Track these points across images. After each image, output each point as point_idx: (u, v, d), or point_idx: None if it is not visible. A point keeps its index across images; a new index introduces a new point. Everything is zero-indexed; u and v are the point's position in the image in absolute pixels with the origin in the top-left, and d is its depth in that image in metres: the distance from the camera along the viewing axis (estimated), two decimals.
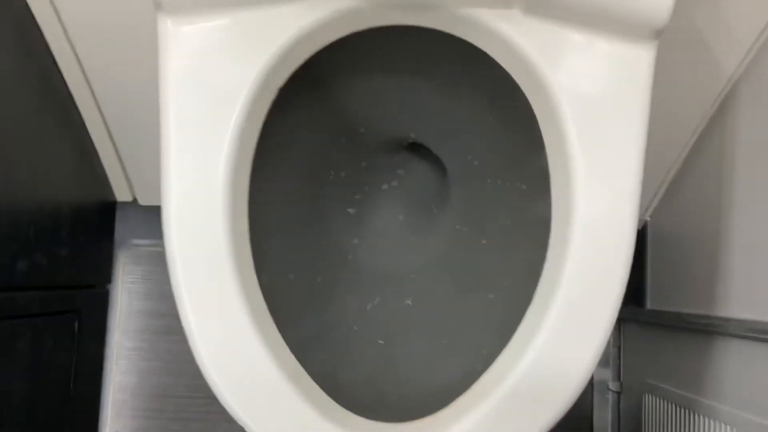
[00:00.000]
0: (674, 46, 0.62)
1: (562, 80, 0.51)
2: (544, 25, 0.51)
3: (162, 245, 0.97)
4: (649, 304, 0.85)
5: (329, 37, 0.53)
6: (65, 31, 0.70)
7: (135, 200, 0.92)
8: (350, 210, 0.72)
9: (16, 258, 0.68)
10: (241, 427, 0.93)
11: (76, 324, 0.83)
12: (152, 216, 0.97)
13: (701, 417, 0.69)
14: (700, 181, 0.75)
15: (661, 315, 0.81)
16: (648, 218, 0.87)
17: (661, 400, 0.79)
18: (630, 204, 0.51)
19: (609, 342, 0.80)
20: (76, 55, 0.72)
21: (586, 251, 0.50)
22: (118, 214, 0.96)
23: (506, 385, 0.51)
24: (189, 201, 0.50)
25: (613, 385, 0.94)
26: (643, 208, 0.51)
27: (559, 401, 0.50)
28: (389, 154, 0.72)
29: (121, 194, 0.91)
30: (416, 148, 0.72)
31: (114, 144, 0.82)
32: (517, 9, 0.51)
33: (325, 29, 0.52)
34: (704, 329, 0.69)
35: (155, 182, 0.88)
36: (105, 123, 0.79)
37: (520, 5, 0.51)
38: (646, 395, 0.83)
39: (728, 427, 0.63)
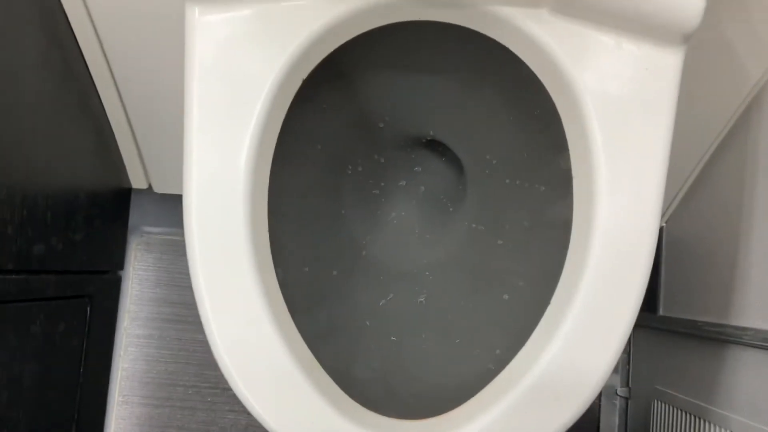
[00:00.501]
0: (700, 51, 0.61)
1: (588, 81, 0.51)
2: (572, 26, 0.51)
3: (174, 234, 0.98)
4: (662, 311, 0.85)
5: (355, 30, 0.53)
6: (90, 17, 0.70)
7: (150, 188, 0.92)
8: (367, 205, 0.71)
9: (33, 242, 0.68)
10: (246, 417, 0.94)
11: (88, 309, 0.83)
12: (166, 204, 0.97)
13: (712, 426, 0.68)
14: (719, 188, 0.74)
15: (673, 322, 0.80)
16: (664, 224, 0.86)
17: (670, 407, 0.78)
18: (652, 209, 0.51)
19: None
20: (99, 41, 0.72)
21: (607, 255, 0.50)
22: (133, 201, 0.96)
23: (521, 386, 0.50)
24: (210, 191, 0.50)
25: (621, 391, 0.94)
26: (662, 210, 0.51)
27: (574, 404, 0.50)
28: (407, 150, 0.72)
29: (137, 181, 0.91)
30: (434, 146, 0.71)
31: (132, 131, 0.83)
32: (545, 8, 0.51)
33: (352, 22, 0.52)
34: (719, 338, 0.68)
35: (171, 170, 0.89)
36: (125, 110, 0.80)
37: (548, 5, 0.51)
38: (655, 401, 0.83)
39: None
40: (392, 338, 0.65)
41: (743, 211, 0.67)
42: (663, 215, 0.85)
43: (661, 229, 0.86)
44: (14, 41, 0.63)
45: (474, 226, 0.70)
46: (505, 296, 0.65)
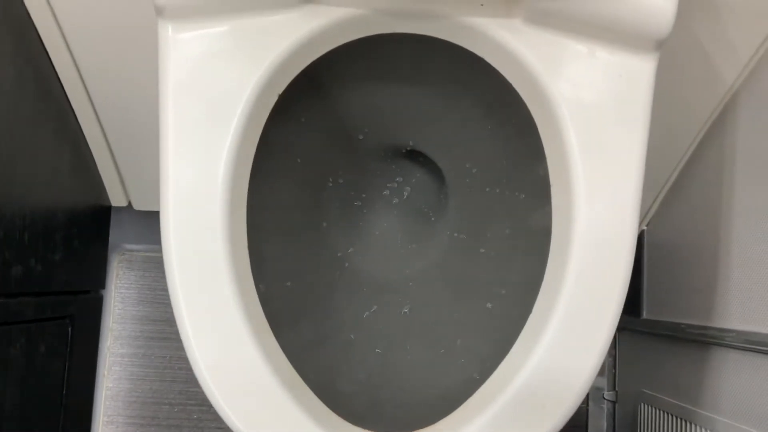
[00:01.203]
0: (674, 56, 0.62)
1: (563, 89, 0.51)
2: (545, 35, 0.51)
3: (156, 250, 0.97)
4: (645, 314, 0.85)
5: (330, 44, 0.53)
6: (63, 35, 0.69)
7: (130, 205, 0.91)
8: (348, 217, 0.71)
9: (11, 264, 0.67)
10: None
11: (70, 330, 0.82)
12: (146, 221, 0.96)
13: (697, 428, 0.68)
14: (698, 191, 0.75)
15: (657, 325, 0.81)
16: (645, 227, 0.87)
17: (657, 410, 0.79)
18: (630, 213, 0.51)
19: None
20: (73, 58, 0.71)
21: (586, 261, 0.50)
22: (113, 219, 0.96)
23: (507, 394, 0.50)
24: (187, 208, 0.50)
25: (608, 395, 0.94)
26: (640, 217, 0.51)
27: (560, 410, 0.50)
28: (388, 161, 0.72)
29: (116, 199, 0.90)
30: (415, 156, 0.72)
31: (110, 149, 0.82)
32: (518, 18, 0.51)
33: (326, 37, 0.52)
34: (701, 339, 0.69)
35: (150, 187, 0.88)
36: (101, 128, 0.79)
37: (521, 15, 0.51)
38: (642, 405, 0.83)
39: None
40: (377, 350, 0.65)
41: (722, 212, 0.68)
42: (643, 219, 0.86)
43: (642, 233, 0.87)
44: None
45: (456, 235, 0.70)
46: (489, 305, 0.65)
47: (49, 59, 0.72)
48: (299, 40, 0.51)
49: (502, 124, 0.62)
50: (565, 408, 0.50)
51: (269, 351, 0.50)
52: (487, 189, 0.67)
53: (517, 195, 0.65)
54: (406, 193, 0.73)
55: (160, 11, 0.50)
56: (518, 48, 0.51)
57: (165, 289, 0.97)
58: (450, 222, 0.71)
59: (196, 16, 0.50)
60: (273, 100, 0.53)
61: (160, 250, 1.00)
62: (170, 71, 0.50)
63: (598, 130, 0.51)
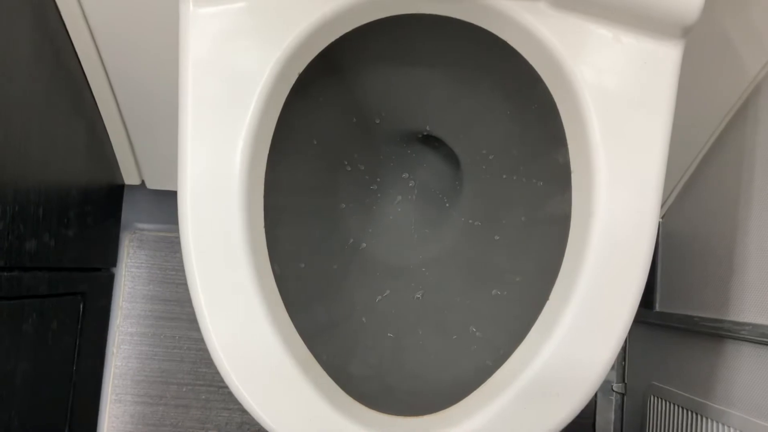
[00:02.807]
0: (699, 45, 0.61)
1: (587, 75, 0.50)
2: (570, 19, 0.51)
3: (167, 230, 0.97)
4: (658, 306, 0.85)
5: (351, 24, 0.53)
6: (83, 11, 0.69)
7: (143, 184, 0.91)
8: (363, 200, 0.71)
9: (25, 238, 0.67)
10: (240, 414, 0.93)
11: (81, 307, 0.82)
12: (159, 200, 0.96)
13: (708, 421, 0.68)
14: (716, 183, 0.74)
15: (670, 317, 0.80)
16: (661, 219, 0.86)
17: (667, 403, 0.78)
18: (652, 203, 0.50)
19: None
20: (92, 35, 0.71)
21: (606, 250, 0.50)
22: (125, 198, 0.95)
23: (520, 382, 0.50)
24: (205, 188, 0.50)
25: (617, 387, 0.94)
26: (660, 204, 0.51)
27: (573, 401, 0.50)
28: (404, 145, 0.71)
29: (130, 177, 0.90)
30: (431, 141, 0.71)
31: (125, 127, 0.82)
32: (544, 1, 0.50)
33: (348, 16, 0.52)
34: (715, 333, 0.68)
35: (164, 166, 0.88)
36: (117, 105, 0.79)
37: None
38: (651, 397, 0.83)
39: None
40: (389, 335, 0.65)
41: (740, 205, 0.67)
42: (660, 210, 0.85)
43: (657, 225, 0.86)
44: (5, 36, 0.63)
45: (470, 221, 0.70)
46: (503, 292, 0.65)
47: (68, 35, 0.71)
48: (320, 19, 0.51)
49: (522, 109, 0.61)
50: (578, 399, 0.50)
51: (284, 331, 0.50)
52: (504, 176, 0.67)
53: (534, 182, 0.64)
54: (421, 178, 0.73)
55: None
56: (542, 32, 0.51)
57: (176, 269, 0.97)
58: (465, 208, 0.71)
59: None
60: (292, 80, 0.52)
61: (171, 230, 1.00)
62: (190, 48, 0.50)
63: (621, 117, 0.50)
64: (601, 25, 0.50)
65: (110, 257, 0.92)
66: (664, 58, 0.51)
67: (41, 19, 0.68)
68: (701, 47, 0.64)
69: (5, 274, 0.65)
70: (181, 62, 0.50)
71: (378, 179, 0.72)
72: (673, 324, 0.79)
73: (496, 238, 0.67)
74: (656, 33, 0.50)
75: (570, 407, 0.50)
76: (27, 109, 0.67)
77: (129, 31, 0.70)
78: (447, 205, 0.72)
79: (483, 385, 0.54)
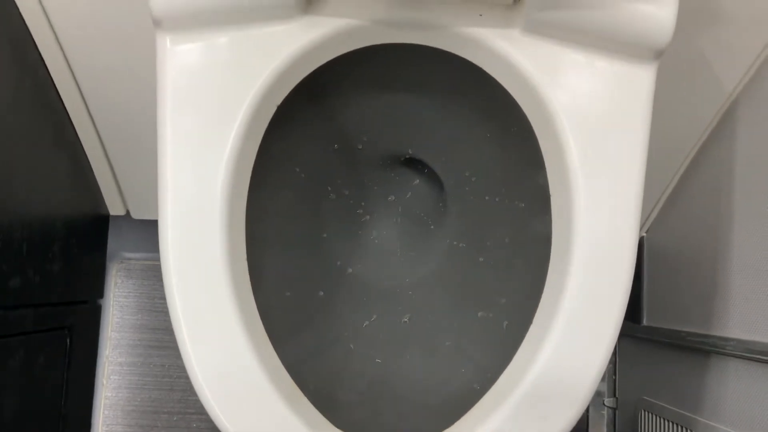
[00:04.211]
0: (675, 63, 0.62)
1: (562, 99, 0.51)
2: (544, 45, 0.51)
3: (154, 259, 0.97)
4: (646, 320, 0.85)
5: (328, 55, 0.53)
6: (61, 47, 0.69)
7: (128, 214, 0.91)
8: (348, 226, 0.71)
9: (9, 276, 0.67)
10: None
11: (68, 341, 0.82)
12: (144, 229, 0.96)
13: None
14: (697, 197, 0.75)
15: (657, 332, 0.81)
16: (644, 233, 0.87)
17: (657, 418, 0.79)
18: (631, 222, 0.51)
19: None
20: (70, 68, 0.71)
21: (587, 270, 0.50)
22: (111, 227, 0.95)
23: (509, 403, 0.50)
24: (186, 219, 0.50)
25: (608, 401, 0.94)
26: (639, 223, 0.51)
27: (563, 419, 0.50)
28: (387, 169, 0.71)
29: (114, 208, 0.90)
30: (414, 164, 0.71)
31: (108, 158, 0.82)
32: (517, 28, 0.51)
33: (325, 48, 0.52)
34: (702, 348, 0.68)
35: (148, 196, 0.88)
36: (99, 137, 0.79)
37: (520, 25, 0.51)
38: (642, 412, 0.83)
39: None
40: (377, 360, 0.65)
41: (722, 219, 0.68)
42: (643, 225, 0.86)
43: (641, 239, 0.87)
44: None
45: (455, 243, 0.70)
46: (489, 314, 0.65)
47: (47, 69, 0.71)
48: (298, 51, 0.51)
49: (502, 132, 0.61)
50: (568, 417, 0.50)
51: (268, 362, 0.50)
52: (487, 197, 0.67)
53: (516, 204, 0.65)
54: (405, 202, 0.73)
55: (158, 23, 0.49)
56: (517, 58, 0.51)
57: (163, 298, 0.97)
58: (449, 230, 0.71)
59: (194, 27, 0.50)
60: (272, 110, 0.53)
61: (158, 259, 1.00)
62: (168, 82, 0.50)
63: (597, 139, 0.51)
64: (574, 49, 0.51)
65: (97, 288, 0.92)
66: (638, 80, 0.51)
67: (20, 53, 0.68)
68: (678, 65, 0.65)
69: None
70: (159, 96, 0.50)
71: (362, 204, 0.72)
72: (661, 338, 0.79)
73: (481, 259, 0.67)
74: (629, 56, 0.51)
75: (561, 424, 0.50)
76: (8, 144, 0.67)
77: (108, 63, 0.71)
78: (432, 227, 0.73)
79: (473, 408, 0.54)
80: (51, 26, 0.67)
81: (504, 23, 0.51)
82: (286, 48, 0.51)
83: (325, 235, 0.69)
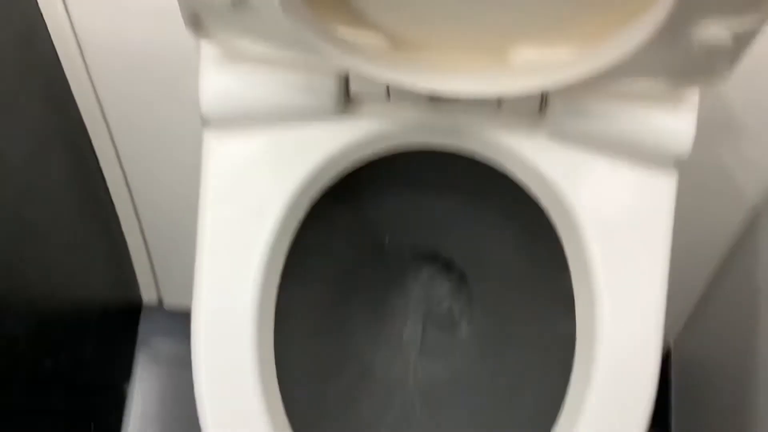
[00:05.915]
0: (697, 172, 0.63)
1: (585, 203, 0.52)
2: (568, 150, 0.53)
3: (183, 348, 0.97)
4: (674, 430, 0.83)
5: (360, 158, 0.56)
6: (111, 137, 0.73)
7: (160, 303, 0.93)
8: (373, 319, 0.72)
9: (42, 359, 0.68)
10: None
11: (92, 426, 0.82)
12: (175, 318, 0.97)
13: None
14: (724, 308, 0.74)
15: None
16: (672, 344, 0.86)
17: None
18: (654, 327, 0.51)
19: None
20: (119, 159, 0.75)
21: (610, 377, 0.50)
22: (143, 315, 0.97)
23: None
24: (218, 314, 0.52)
25: None
26: (666, 333, 0.51)
27: None
28: (414, 265, 0.73)
29: (148, 296, 0.92)
30: (440, 261, 0.73)
31: (147, 249, 0.85)
32: (543, 134, 0.53)
33: (357, 151, 0.55)
34: None
35: (182, 287, 0.90)
36: (141, 228, 0.82)
37: (545, 130, 0.53)
38: None
39: None
40: None
41: (748, 331, 0.67)
42: (670, 334, 0.85)
43: (669, 349, 0.86)
44: (44, 163, 0.67)
45: (480, 341, 0.70)
46: (510, 416, 0.64)
47: (96, 158, 0.75)
48: (332, 152, 0.54)
49: (527, 234, 0.63)
50: None
51: None
52: (512, 296, 0.68)
53: (542, 303, 0.65)
54: (431, 297, 0.74)
55: (206, 122, 0.53)
56: (541, 163, 0.53)
57: (190, 386, 0.97)
58: (474, 328, 0.71)
59: (238, 128, 0.53)
60: (305, 208, 0.55)
61: (186, 349, 1.01)
62: (211, 178, 0.53)
63: (620, 243, 0.52)
64: (598, 156, 0.53)
65: (124, 373, 0.93)
66: (660, 188, 0.53)
67: (73, 146, 0.72)
68: (700, 174, 0.66)
69: (20, 392, 0.66)
70: (203, 190, 0.53)
71: (387, 297, 0.73)
72: None
73: (504, 359, 0.67)
74: (650, 164, 0.52)
75: None
76: (54, 232, 0.70)
77: (154, 155, 0.74)
78: (456, 323, 0.73)
79: None
80: (105, 119, 0.71)
81: (530, 129, 0.53)
82: (320, 149, 0.53)
83: (350, 328, 0.70)
